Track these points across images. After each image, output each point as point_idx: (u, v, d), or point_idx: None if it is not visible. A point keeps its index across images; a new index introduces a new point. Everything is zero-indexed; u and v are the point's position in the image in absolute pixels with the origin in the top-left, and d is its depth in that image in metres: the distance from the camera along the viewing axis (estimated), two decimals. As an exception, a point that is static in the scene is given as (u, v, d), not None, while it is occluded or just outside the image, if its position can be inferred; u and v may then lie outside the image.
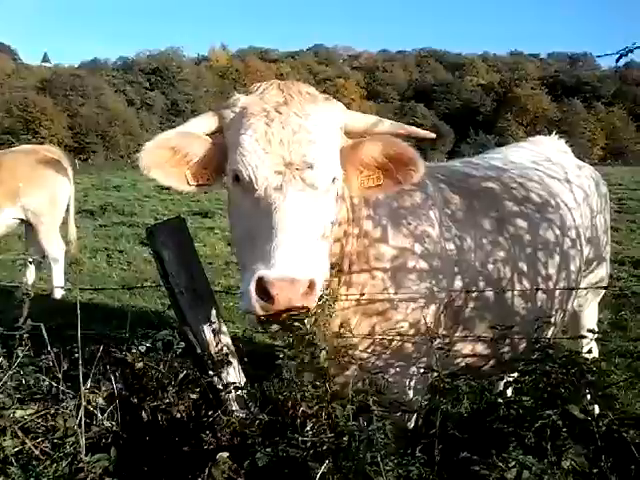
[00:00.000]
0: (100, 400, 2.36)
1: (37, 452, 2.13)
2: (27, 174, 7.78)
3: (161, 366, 2.51)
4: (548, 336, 3.09)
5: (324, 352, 2.25)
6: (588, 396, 2.18)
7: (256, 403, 2.39)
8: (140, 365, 2.49)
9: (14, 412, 2.22)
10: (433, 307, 2.61)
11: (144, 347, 2.55)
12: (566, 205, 3.34)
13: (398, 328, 2.52)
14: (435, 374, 2.27)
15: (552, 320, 3.15)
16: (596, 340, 3.72)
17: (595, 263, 3.70)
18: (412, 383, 2.63)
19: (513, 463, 1.89)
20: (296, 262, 1.91)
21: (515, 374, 2.62)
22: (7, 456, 2.09)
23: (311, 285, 1.92)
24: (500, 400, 2.27)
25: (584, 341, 2.98)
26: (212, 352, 2.56)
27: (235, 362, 2.61)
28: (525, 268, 2.96)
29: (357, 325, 2.53)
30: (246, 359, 2.71)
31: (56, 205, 8.06)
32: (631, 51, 2.56)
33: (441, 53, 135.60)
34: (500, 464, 1.90)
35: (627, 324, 6.32)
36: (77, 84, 76.95)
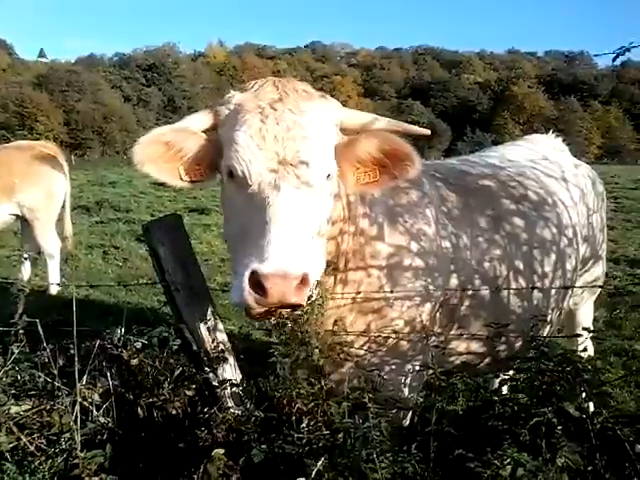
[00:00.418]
0: (96, 396, 2.35)
1: (32, 448, 2.13)
2: (23, 170, 7.75)
3: (157, 363, 2.51)
4: (544, 334, 3.09)
5: (317, 349, 2.26)
6: (583, 394, 2.19)
7: (252, 400, 2.39)
8: (136, 362, 2.48)
9: (9, 408, 2.22)
10: (429, 305, 2.62)
11: (140, 344, 2.55)
12: (563, 203, 3.35)
13: (393, 326, 2.53)
14: (431, 372, 2.28)
15: (548, 318, 3.16)
16: (591, 338, 3.73)
17: (591, 262, 3.71)
18: (408, 380, 2.64)
19: (508, 460, 1.90)
20: (289, 256, 1.91)
21: (511, 372, 2.63)
22: (2, 452, 2.09)
23: (304, 280, 1.92)
24: (495, 398, 2.28)
25: (579, 339, 2.99)
26: (208, 349, 2.55)
27: (231, 359, 2.61)
28: (521, 266, 2.96)
29: (353, 323, 2.53)
30: (242, 356, 2.71)
31: (52, 201, 8.03)
32: (628, 50, 2.56)
33: (438, 51, 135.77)
34: (495, 461, 1.90)
35: (622, 323, 6.34)
36: (73, 80, 76.78)
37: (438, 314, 2.68)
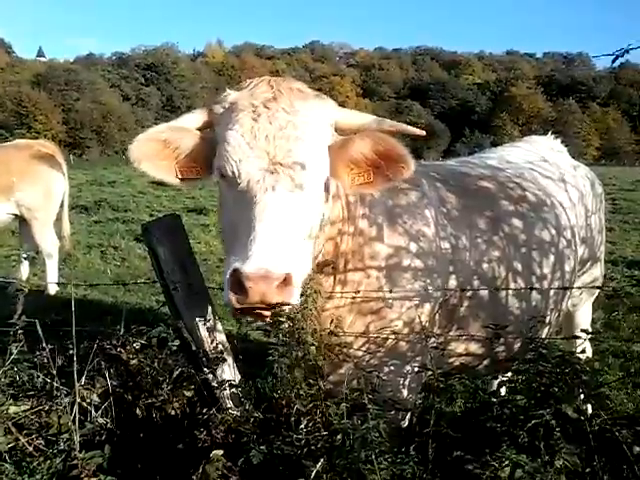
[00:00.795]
0: (94, 397, 2.35)
1: (31, 449, 2.12)
2: (21, 169, 7.74)
3: (156, 363, 2.51)
4: (543, 336, 3.10)
5: (313, 349, 2.25)
6: (581, 396, 2.19)
7: (251, 401, 2.39)
8: (135, 362, 2.48)
9: (8, 408, 2.21)
10: (428, 306, 2.61)
11: (139, 344, 2.55)
12: (561, 205, 3.35)
13: (393, 327, 2.52)
14: (429, 373, 2.28)
15: (546, 320, 3.16)
16: (589, 340, 3.74)
17: (589, 263, 3.72)
18: (406, 382, 2.64)
19: (506, 462, 1.90)
20: (272, 256, 1.90)
21: (509, 373, 2.63)
22: (1, 453, 2.08)
23: (287, 280, 1.90)
24: (494, 399, 2.28)
25: (578, 341, 2.99)
26: (207, 349, 2.55)
27: (230, 359, 2.61)
28: (520, 268, 2.96)
29: (352, 324, 2.53)
30: (241, 356, 2.71)
31: (50, 200, 8.01)
32: (627, 52, 2.57)
33: (437, 51, 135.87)
34: (494, 463, 1.91)
35: (620, 324, 6.35)
36: (72, 79, 76.75)
37: (437, 315, 2.68)
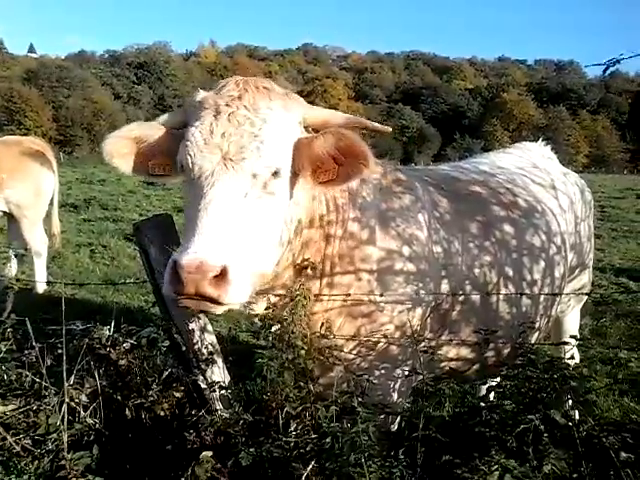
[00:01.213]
0: (83, 397, 2.34)
1: (18, 448, 2.11)
2: (10, 166, 7.66)
3: (145, 364, 2.50)
4: (532, 341, 3.11)
5: (303, 352, 2.25)
6: (569, 402, 2.21)
7: (240, 403, 2.38)
8: (124, 362, 2.47)
9: (-5, 408, 2.20)
10: (420, 310, 2.62)
11: (128, 344, 2.54)
12: (551, 211, 3.37)
13: (384, 330, 2.53)
14: (419, 377, 2.28)
15: (536, 325, 3.18)
16: (577, 346, 3.76)
17: (578, 270, 3.74)
18: (397, 385, 2.64)
19: (495, 467, 1.91)
20: (209, 247, 1.91)
21: (498, 378, 2.64)
22: (-13, 452, 2.07)
23: (223, 273, 1.89)
24: (482, 404, 2.29)
25: (566, 347, 3.01)
26: (197, 350, 2.55)
27: (220, 361, 2.60)
28: (511, 273, 2.98)
29: (341, 327, 2.53)
30: (231, 358, 2.71)
31: (40, 198, 7.95)
32: (618, 62, 2.59)
33: (429, 56, 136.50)
34: (482, 467, 1.92)
35: (607, 331, 6.39)
36: (63, 76, 76.39)
37: (429, 319, 2.69)
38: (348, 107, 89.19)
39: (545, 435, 2.03)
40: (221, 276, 1.89)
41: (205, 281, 1.87)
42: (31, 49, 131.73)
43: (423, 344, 2.38)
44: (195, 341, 2.55)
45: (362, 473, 1.89)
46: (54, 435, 2.12)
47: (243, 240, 2.02)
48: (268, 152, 2.11)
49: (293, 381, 2.23)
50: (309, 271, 2.46)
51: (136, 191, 20.05)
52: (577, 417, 2.19)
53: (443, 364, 2.85)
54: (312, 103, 2.48)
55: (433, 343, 2.72)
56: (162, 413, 2.39)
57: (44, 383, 2.33)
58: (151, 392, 2.41)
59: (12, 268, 7.99)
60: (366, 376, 2.33)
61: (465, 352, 2.89)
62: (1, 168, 7.55)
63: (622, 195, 23.29)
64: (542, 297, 3.17)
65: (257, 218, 2.10)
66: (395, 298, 2.55)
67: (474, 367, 3.00)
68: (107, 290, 7.64)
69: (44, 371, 2.35)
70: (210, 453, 2.07)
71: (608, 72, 2.70)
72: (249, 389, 2.58)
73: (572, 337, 2.73)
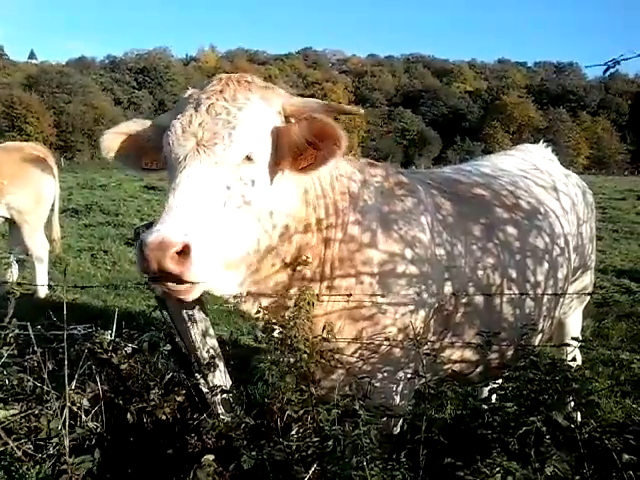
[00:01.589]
0: (85, 401, 2.34)
1: (20, 453, 2.11)
2: (12, 172, 7.67)
3: (147, 368, 2.50)
4: (536, 343, 3.11)
5: (305, 356, 2.25)
6: (571, 403, 2.21)
7: (242, 406, 2.38)
8: (125, 366, 2.47)
9: (-3, 412, 2.20)
10: (422, 312, 2.62)
11: (130, 348, 2.54)
12: (554, 213, 3.37)
13: (387, 333, 2.52)
14: (422, 380, 2.28)
15: (539, 327, 3.18)
16: (579, 348, 3.76)
17: (580, 271, 3.74)
18: (399, 388, 2.64)
19: (497, 469, 1.90)
20: (172, 225, 1.95)
21: (500, 380, 2.64)
22: (-11, 457, 2.07)
23: (185, 250, 1.92)
24: (484, 406, 2.29)
25: (568, 349, 3.01)
26: (198, 354, 2.55)
27: (221, 365, 2.60)
28: (514, 275, 2.97)
29: (341, 329, 2.52)
30: (232, 362, 2.70)
31: (41, 203, 7.96)
32: (618, 63, 2.59)
33: (429, 59, 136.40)
34: (485, 470, 1.91)
35: (609, 332, 6.38)
36: (64, 82, 76.47)
37: (432, 321, 2.69)
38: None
39: (547, 437, 2.02)
40: (183, 253, 1.92)
41: (167, 257, 1.91)
42: (32, 55, 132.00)
43: (426, 347, 2.37)
44: (196, 345, 2.55)
45: (364, 476, 1.89)
46: (56, 439, 2.13)
47: (209, 221, 2.05)
48: (240, 137, 2.17)
49: (295, 384, 2.23)
50: (301, 268, 2.46)
51: (137, 196, 20.05)
52: (579, 419, 2.19)
53: (446, 366, 2.84)
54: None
55: (437, 346, 2.72)
56: (164, 417, 2.38)
57: (46, 388, 2.33)
58: (152, 396, 2.41)
59: (13, 273, 7.99)
60: (368, 379, 2.33)
61: (469, 354, 2.88)
62: (2, 174, 7.56)
63: (623, 196, 23.27)
64: (545, 299, 3.17)
65: (226, 201, 2.13)
66: (397, 300, 2.55)
67: (478, 369, 2.99)
68: (108, 294, 7.64)
69: (45, 376, 2.35)
70: (212, 457, 2.07)
71: (608, 73, 2.70)
72: (250, 393, 2.58)
73: (574, 339, 2.72)
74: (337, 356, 2.40)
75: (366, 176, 2.71)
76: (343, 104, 2.53)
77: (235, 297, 2.41)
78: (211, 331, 2.64)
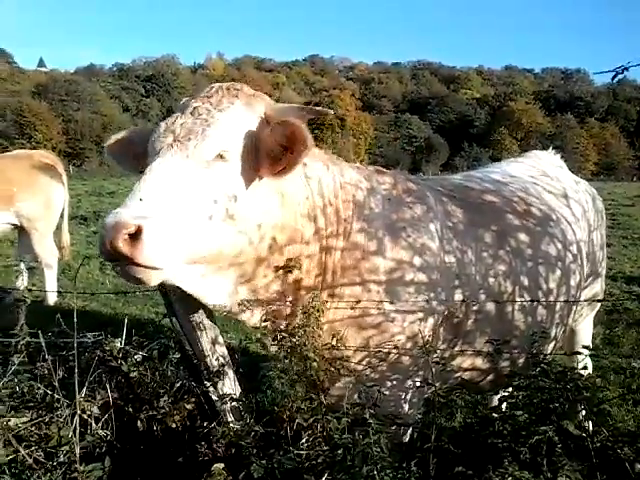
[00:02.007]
0: (95, 409, 2.34)
1: (30, 461, 2.11)
2: (21, 179, 7.73)
3: (156, 375, 2.50)
4: (548, 351, 3.09)
5: (315, 364, 2.25)
6: (583, 412, 2.19)
7: (251, 414, 2.38)
8: (135, 374, 2.47)
9: (8, 420, 2.20)
10: (431, 320, 2.61)
11: (140, 356, 2.54)
12: (566, 219, 3.36)
13: (395, 341, 2.52)
14: (432, 388, 2.27)
15: (552, 335, 3.16)
16: (590, 356, 3.73)
17: (591, 278, 3.72)
18: (408, 397, 2.63)
19: (509, 478, 1.89)
20: (128, 209, 2.00)
21: (510, 388, 2.62)
22: (0, 465, 2.07)
23: (137, 233, 1.94)
24: (495, 415, 2.27)
25: (579, 357, 2.99)
26: (208, 362, 2.55)
27: (231, 373, 2.60)
28: (526, 282, 2.96)
29: (348, 337, 2.51)
30: (241, 370, 2.70)
31: (50, 211, 8.00)
32: (626, 69, 2.58)
33: (436, 66, 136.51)
34: (496, 479, 1.90)
35: (620, 340, 6.34)
36: (72, 89, 77.07)
37: (442, 329, 2.68)
38: (355, 117, 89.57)
39: (559, 446, 2.01)
40: (136, 235, 1.95)
41: (119, 239, 1.93)
42: (41, 63, 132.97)
43: (435, 355, 2.36)
44: (206, 353, 2.55)
45: (374, 485, 1.88)
46: (66, 447, 2.13)
47: (171, 210, 2.07)
48: (213, 135, 2.23)
49: (304, 393, 2.22)
50: (298, 276, 2.46)
51: (145, 203, 20.08)
52: (591, 428, 2.17)
53: (457, 374, 2.83)
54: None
55: (446, 354, 2.71)
56: (173, 425, 2.38)
57: (56, 395, 2.34)
58: (162, 404, 2.42)
59: (23, 281, 8.03)
60: (377, 387, 2.32)
61: (479, 362, 2.87)
62: (12, 181, 7.61)
63: (632, 202, 23.12)
64: (558, 306, 3.15)
65: (191, 193, 2.15)
66: (405, 308, 2.54)
67: (488, 377, 2.98)
68: (117, 302, 7.66)
69: (56, 383, 2.36)
70: (222, 465, 2.07)
71: (616, 79, 2.69)
72: (260, 400, 2.57)
73: (585, 347, 2.70)
74: (345, 364, 2.40)
75: (373, 184, 2.71)
76: (320, 107, 2.55)
77: (239, 304, 2.40)
78: (220, 339, 2.64)
